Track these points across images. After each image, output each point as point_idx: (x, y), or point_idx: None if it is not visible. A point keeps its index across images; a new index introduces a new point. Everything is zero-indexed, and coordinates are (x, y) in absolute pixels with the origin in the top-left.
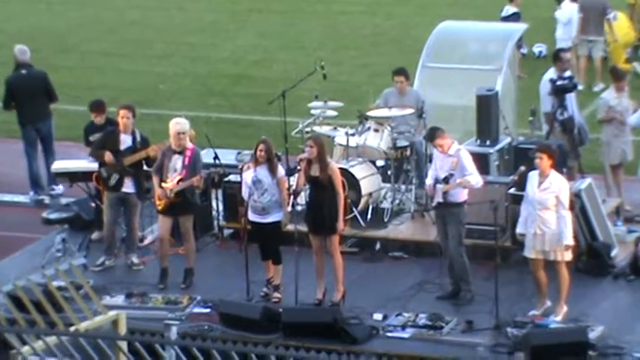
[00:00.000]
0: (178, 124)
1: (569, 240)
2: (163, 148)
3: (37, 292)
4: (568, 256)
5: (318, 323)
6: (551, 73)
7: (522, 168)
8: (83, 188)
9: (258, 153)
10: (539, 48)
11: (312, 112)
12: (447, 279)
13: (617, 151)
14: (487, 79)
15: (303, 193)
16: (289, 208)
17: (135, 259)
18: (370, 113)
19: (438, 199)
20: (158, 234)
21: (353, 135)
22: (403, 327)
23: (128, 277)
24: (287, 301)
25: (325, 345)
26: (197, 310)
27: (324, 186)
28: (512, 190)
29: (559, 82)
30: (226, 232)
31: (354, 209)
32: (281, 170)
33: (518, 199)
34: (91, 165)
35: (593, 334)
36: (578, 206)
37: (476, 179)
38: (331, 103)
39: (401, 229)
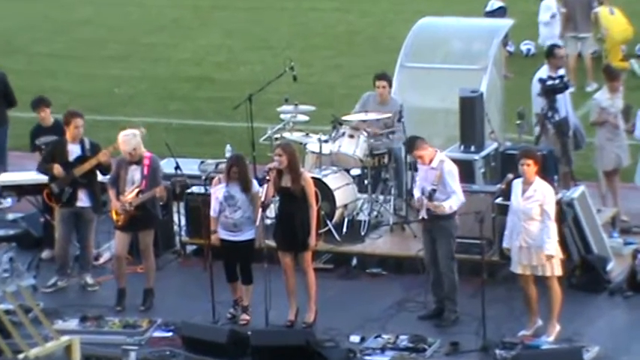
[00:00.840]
0: (125, 142)
1: (551, 250)
2: (118, 158)
3: None
4: (558, 270)
5: (290, 346)
6: (544, 71)
7: (510, 176)
8: (32, 202)
9: (231, 174)
10: (527, 45)
11: (282, 117)
12: (430, 297)
13: (610, 156)
14: (471, 80)
15: (272, 206)
16: (258, 222)
17: (89, 280)
18: (345, 117)
19: (422, 214)
20: (115, 251)
21: (326, 141)
22: (382, 350)
23: (82, 298)
24: (256, 323)
25: None
26: (158, 333)
27: (296, 198)
28: (499, 200)
29: (549, 82)
30: (189, 248)
31: (328, 222)
32: (255, 185)
33: (505, 210)
34: (41, 177)
35: (588, 356)
36: (570, 216)
37: (453, 203)
38: (302, 107)
39: (379, 244)
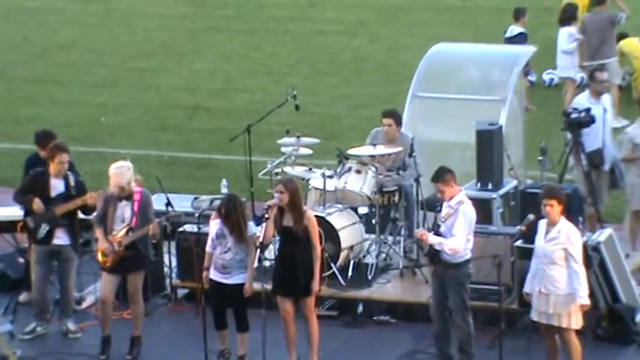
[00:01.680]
0: (119, 175)
1: (584, 299)
2: (106, 193)
3: None
4: (577, 322)
5: None
6: (585, 97)
7: (531, 217)
8: (9, 241)
9: (222, 214)
10: (549, 75)
11: (283, 150)
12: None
13: None
14: (489, 112)
15: (271, 246)
16: (255, 264)
17: (71, 326)
18: (352, 151)
19: (426, 247)
20: (100, 295)
21: (331, 177)
22: None
23: (63, 346)
24: None
25: None
26: None
27: (298, 238)
28: (518, 243)
29: (573, 115)
30: (180, 292)
31: (332, 265)
32: (251, 228)
33: (526, 254)
34: (19, 213)
35: None
36: (596, 262)
37: (451, 243)
38: (305, 140)
39: (387, 289)
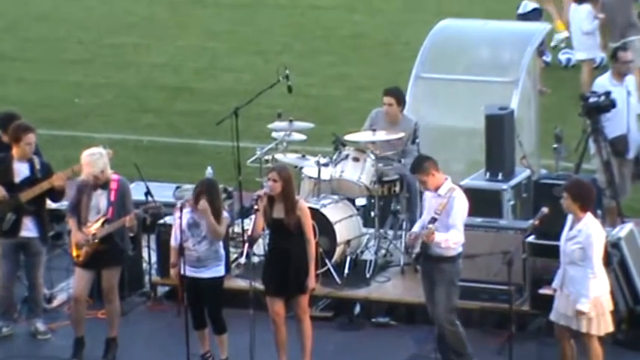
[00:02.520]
0: (91, 164)
1: (583, 305)
2: (80, 181)
3: None
4: (597, 328)
5: None
6: (607, 79)
7: (545, 210)
8: None
9: (198, 201)
10: (566, 55)
11: (274, 135)
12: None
13: None
14: (499, 95)
15: (260, 241)
16: (242, 260)
17: (40, 326)
18: (349, 137)
19: (416, 249)
20: (73, 293)
21: (326, 165)
22: None
23: (31, 349)
24: None
25: None
26: None
27: (290, 232)
28: (531, 239)
29: (592, 100)
30: (160, 290)
31: (326, 262)
32: (225, 216)
33: (538, 250)
34: None
35: None
36: (616, 260)
37: (451, 237)
38: (298, 124)
39: (387, 288)
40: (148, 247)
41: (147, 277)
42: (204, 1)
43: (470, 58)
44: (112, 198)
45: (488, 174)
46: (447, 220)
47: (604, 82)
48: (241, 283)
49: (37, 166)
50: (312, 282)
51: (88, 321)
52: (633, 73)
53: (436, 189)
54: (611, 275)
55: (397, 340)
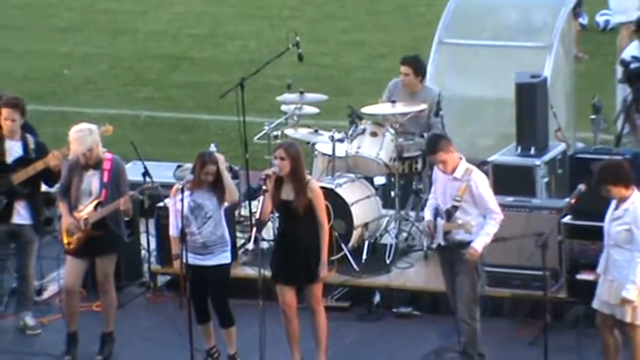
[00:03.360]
0: (78, 140)
1: (629, 292)
2: (70, 162)
3: None
4: None
5: None
6: (634, 48)
7: (582, 187)
8: None
9: (202, 175)
10: (604, 17)
11: (283, 108)
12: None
13: None
14: (531, 61)
15: (270, 224)
16: (250, 245)
17: (30, 320)
18: (365, 110)
19: (439, 240)
20: (65, 283)
21: (341, 140)
22: None
23: (20, 344)
24: None
25: None
26: None
27: (301, 215)
28: (567, 219)
29: (633, 65)
30: (161, 279)
31: (343, 247)
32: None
33: (576, 232)
34: None
35: None
36: None
37: (489, 229)
38: (310, 96)
39: (409, 275)
40: (147, 232)
41: (146, 266)
42: None
43: (498, 21)
44: (105, 179)
45: (519, 148)
46: (473, 206)
47: (631, 53)
48: (249, 272)
49: (32, 146)
50: (324, 271)
51: (82, 314)
52: None
53: (452, 171)
54: None
55: (420, 331)
